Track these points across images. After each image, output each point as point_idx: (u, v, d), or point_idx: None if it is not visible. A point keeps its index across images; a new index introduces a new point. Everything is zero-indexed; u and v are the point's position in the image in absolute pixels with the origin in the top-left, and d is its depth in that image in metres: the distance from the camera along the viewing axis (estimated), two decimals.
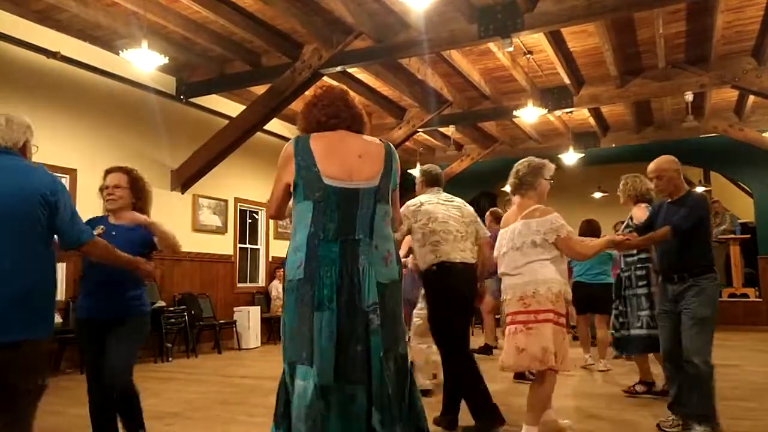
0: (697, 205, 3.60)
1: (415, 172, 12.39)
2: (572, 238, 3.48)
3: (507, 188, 3.73)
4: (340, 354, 2.17)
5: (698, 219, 3.57)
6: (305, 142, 2.37)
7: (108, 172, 3.25)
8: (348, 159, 2.34)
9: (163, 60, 6.56)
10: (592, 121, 11.09)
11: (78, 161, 7.27)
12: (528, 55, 8.16)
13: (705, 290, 3.52)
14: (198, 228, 9.11)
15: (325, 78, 8.27)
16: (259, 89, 8.62)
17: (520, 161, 3.63)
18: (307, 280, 2.22)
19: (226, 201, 9.66)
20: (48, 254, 2.44)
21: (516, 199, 3.66)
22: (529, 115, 8.76)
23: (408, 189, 3.90)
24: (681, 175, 3.74)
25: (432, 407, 3.55)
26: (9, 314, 2.25)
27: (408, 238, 3.94)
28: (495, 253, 3.65)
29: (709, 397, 3.43)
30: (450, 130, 11.38)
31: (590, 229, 6.24)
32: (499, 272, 3.60)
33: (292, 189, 2.38)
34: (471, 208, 4.06)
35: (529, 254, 3.37)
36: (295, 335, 2.24)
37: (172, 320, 7.97)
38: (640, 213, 4.53)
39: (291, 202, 2.45)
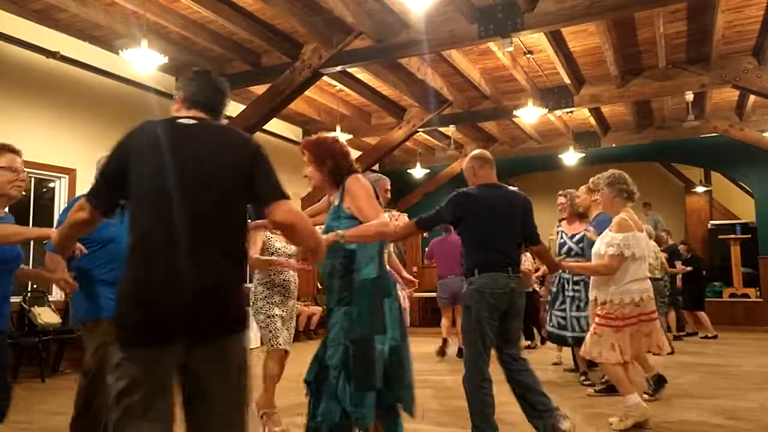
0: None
1: (416, 172, 12.53)
2: None
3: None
4: None
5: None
6: None
7: (12, 151, 2.85)
8: None
9: (163, 60, 6.54)
10: (592, 120, 11.07)
11: (77, 161, 7.22)
12: (528, 55, 8.15)
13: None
14: None
15: (325, 78, 8.27)
16: (259, 89, 8.59)
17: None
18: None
19: None
20: None
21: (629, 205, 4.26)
22: (530, 114, 8.75)
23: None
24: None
25: None
26: None
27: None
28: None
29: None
30: (450, 130, 11.35)
31: None
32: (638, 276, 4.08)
33: None
34: None
35: None
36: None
37: None
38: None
39: None
